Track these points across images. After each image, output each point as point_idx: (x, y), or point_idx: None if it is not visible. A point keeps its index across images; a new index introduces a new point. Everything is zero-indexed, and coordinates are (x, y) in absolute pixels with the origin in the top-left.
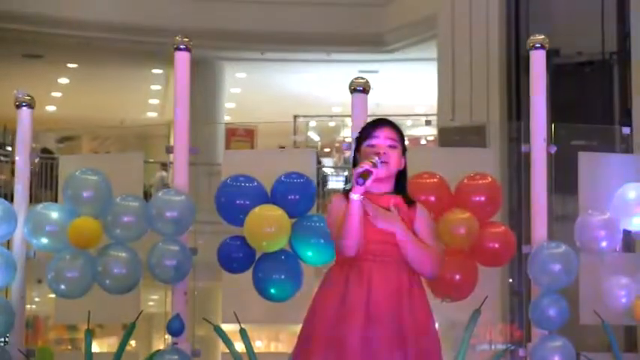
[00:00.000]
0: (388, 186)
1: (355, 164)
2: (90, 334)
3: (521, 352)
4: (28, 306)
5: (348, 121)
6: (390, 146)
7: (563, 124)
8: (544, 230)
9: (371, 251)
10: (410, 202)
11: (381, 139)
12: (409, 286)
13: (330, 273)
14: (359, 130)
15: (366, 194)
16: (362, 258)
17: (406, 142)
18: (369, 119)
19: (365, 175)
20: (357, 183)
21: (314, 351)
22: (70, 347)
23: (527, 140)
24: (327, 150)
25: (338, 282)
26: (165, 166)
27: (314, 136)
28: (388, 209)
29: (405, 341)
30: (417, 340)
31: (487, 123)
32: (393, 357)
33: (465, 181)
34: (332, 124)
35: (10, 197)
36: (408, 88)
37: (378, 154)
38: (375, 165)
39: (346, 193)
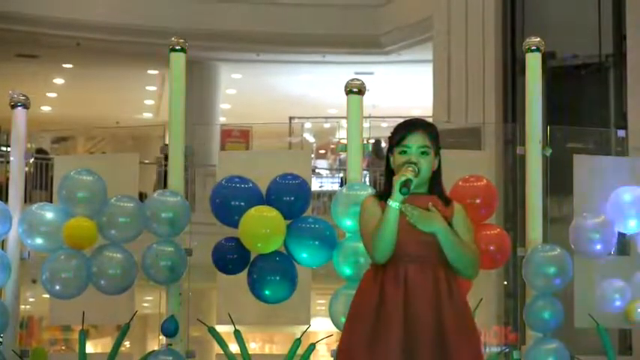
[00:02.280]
0: (423, 187)
1: (389, 165)
2: (84, 335)
3: (515, 355)
4: (23, 306)
5: (344, 122)
6: (422, 153)
7: (558, 127)
8: (539, 233)
9: (406, 252)
10: (447, 201)
11: (413, 148)
12: (447, 284)
13: (365, 276)
14: (357, 131)
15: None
16: (397, 259)
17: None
18: (367, 121)
19: (407, 184)
20: (401, 192)
21: (357, 351)
22: (64, 348)
23: (523, 142)
24: (322, 152)
25: (374, 285)
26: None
27: (309, 138)
28: (427, 209)
29: (446, 336)
30: (458, 334)
31: (482, 125)
32: (434, 356)
33: (460, 183)
34: (327, 125)
35: (4, 197)
36: (404, 89)
37: (411, 162)
38: (415, 173)
39: (379, 196)
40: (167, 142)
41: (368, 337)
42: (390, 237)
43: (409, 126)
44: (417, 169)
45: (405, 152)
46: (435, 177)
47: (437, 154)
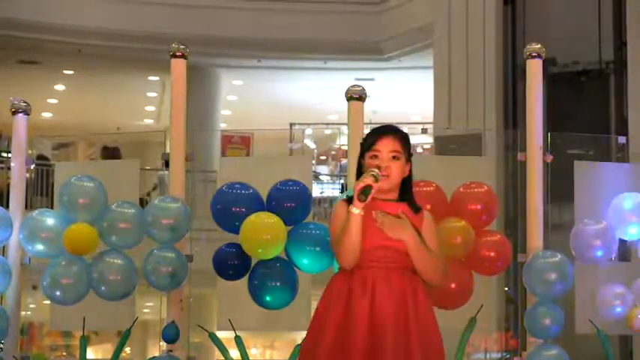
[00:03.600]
0: (394, 193)
1: (360, 171)
2: (85, 341)
3: None
4: (23, 312)
5: (345, 129)
6: (393, 157)
7: (559, 133)
8: (540, 239)
9: (375, 258)
10: (416, 209)
11: (383, 152)
12: (413, 292)
13: (333, 281)
14: (357, 137)
15: (372, 201)
16: (365, 265)
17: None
18: (368, 127)
19: (366, 190)
20: (359, 199)
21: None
22: (64, 354)
23: (524, 149)
24: (323, 158)
25: (341, 291)
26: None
27: (310, 144)
28: (397, 216)
29: (410, 347)
30: (422, 346)
31: (483, 131)
32: None
33: (461, 189)
34: (328, 131)
35: (5, 203)
36: (405, 96)
37: (378, 167)
38: (376, 179)
39: (349, 199)
40: (168, 148)
41: (331, 345)
42: (351, 242)
43: (380, 131)
44: (378, 176)
45: (375, 157)
46: (406, 184)
47: (408, 160)
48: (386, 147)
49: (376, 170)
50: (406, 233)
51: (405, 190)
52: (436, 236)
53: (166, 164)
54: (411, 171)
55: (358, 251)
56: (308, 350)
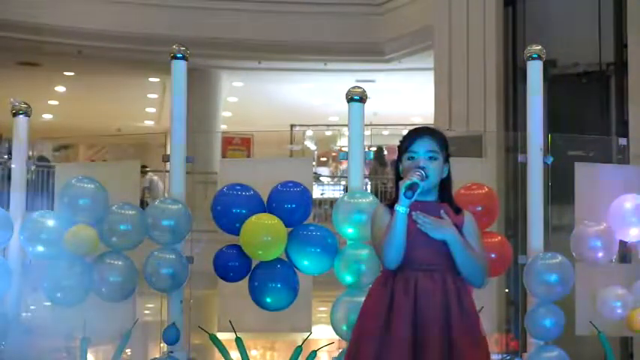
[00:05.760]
0: (434, 194)
1: (398, 173)
2: (85, 343)
3: None
4: (24, 314)
5: (345, 130)
6: (431, 158)
7: (559, 135)
8: (540, 240)
9: (417, 260)
10: (457, 210)
11: (421, 152)
12: (456, 291)
13: (376, 283)
14: (358, 139)
15: (413, 203)
16: (408, 267)
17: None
18: (368, 128)
19: (413, 187)
20: (406, 196)
21: (366, 344)
22: (65, 355)
23: (524, 150)
24: (323, 159)
25: (385, 289)
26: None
27: (311, 145)
28: (438, 217)
29: (453, 349)
30: (467, 348)
31: (484, 133)
32: None
33: (462, 191)
34: (329, 133)
35: (6, 205)
36: (405, 97)
37: (419, 167)
38: (422, 177)
39: (390, 203)
40: (168, 150)
41: (375, 351)
42: (398, 242)
43: (417, 132)
44: (424, 174)
45: (413, 158)
46: (445, 184)
47: (446, 161)
48: (422, 147)
49: (421, 171)
50: (448, 233)
51: (444, 190)
52: (478, 236)
53: (144, 167)
54: (449, 172)
55: (403, 250)
56: (352, 354)
